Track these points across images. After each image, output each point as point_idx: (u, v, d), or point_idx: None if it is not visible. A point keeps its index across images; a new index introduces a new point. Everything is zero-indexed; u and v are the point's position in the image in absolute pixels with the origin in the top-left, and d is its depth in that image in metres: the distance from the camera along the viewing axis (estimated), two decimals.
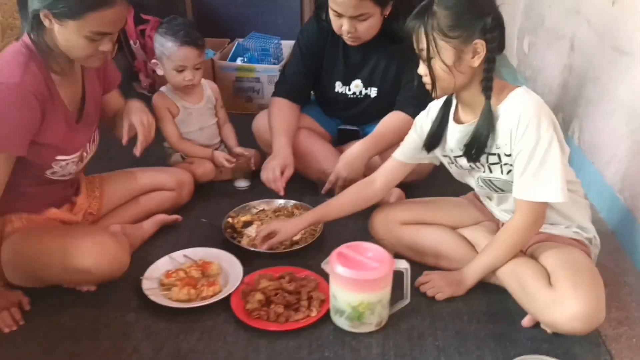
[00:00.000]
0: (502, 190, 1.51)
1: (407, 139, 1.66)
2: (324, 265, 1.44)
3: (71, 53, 1.41)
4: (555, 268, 1.39)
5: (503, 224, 1.57)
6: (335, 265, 1.38)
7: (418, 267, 1.62)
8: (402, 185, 1.78)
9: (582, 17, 2.23)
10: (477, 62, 1.34)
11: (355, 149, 1.93)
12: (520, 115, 1.36)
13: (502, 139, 1.41)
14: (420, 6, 1.36)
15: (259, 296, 1.48)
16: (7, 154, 1.37)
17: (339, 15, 1.81)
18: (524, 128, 1.35)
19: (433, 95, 1.44)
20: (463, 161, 1.51)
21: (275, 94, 2.12)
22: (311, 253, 1.74)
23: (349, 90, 2.07)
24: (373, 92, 2.05)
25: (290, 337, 1.42)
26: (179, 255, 1.68)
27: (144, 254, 1.73)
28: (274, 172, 1.90)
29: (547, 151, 1.35)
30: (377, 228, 1.74)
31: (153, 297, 1.50)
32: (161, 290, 1.55)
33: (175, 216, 1.89)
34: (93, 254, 1.39)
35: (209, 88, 2.16)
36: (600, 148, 2.01)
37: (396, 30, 1.87)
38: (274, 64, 2.89)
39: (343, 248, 1.44)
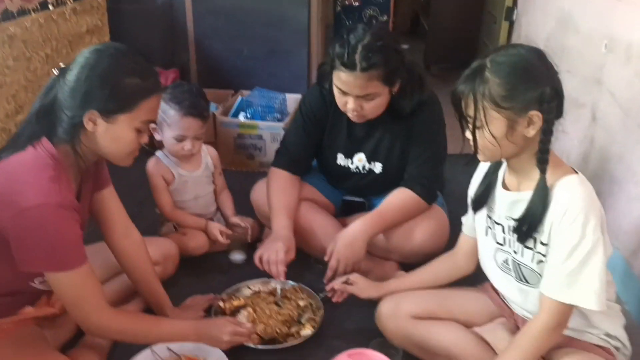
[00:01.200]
0: (526, 281, 1.36)
1: (469, 212, 1.55)
2: None
3: (118, 151, 1.34)
4: None
5: (522, 321, 1.41)
6: None
7: None
8: None
9: (605, 89, 2.10)
10: (531, 132, 1.23)
11: (355, 228, 1.78)
12: (568, 207, 1.22)
13: (544, 225, 1.27)
14: (471, 69, 1.25)
15: None
16: (82, 268, 1.29)
17: (344, 93, 1.68)
18: (570, 222, 1.21)
19: (480, 159, 1.33)
20: (499, 232, 1.39)
21: (274, 164, 1.98)
22: (310, 346, 1.59)
23: (352, 163, 1.93)
24: (377, 167, 1.91)
25: None
26: (162, 349, 1.51)
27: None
28: (277, 254, 1.73)
29: (590, 252, 1.21)
30: (385, 322, 1.57)
31: None
32: None
33: None
34: None
35: (208, 155, 2.03)
36: (627, 234, 1.86)
37: (404, 107, 1.76)
38: (279, 120, 2.78)
39: (345, 357, 1.28)
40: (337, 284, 1.67)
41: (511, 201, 1.34)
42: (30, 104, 2.18)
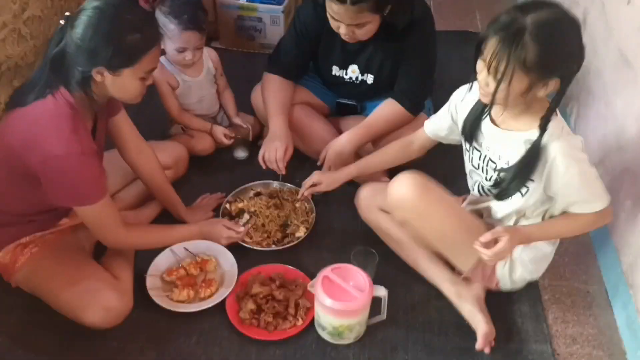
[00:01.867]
0: (495, 197, 1.54)
1: (439, 115, 1.70)
2: (310, 288, 1.58)
3: (126, 97, 1.51)
4: None
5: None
6: (319, 294, 1.52)
7: (400, 288, 1.75)
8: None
9: None
10: (542, 93, 1.34)
11: (345, 138, 1.97)
12: (555, 156, 1.37)
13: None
14: (509, 24, 1.26)
15: (250, 305, 1.64)
16: (102, 201, 1.51)
17: (336, 20, 1.76)
18: (565, 170, 1.38)
19: (482, 100, 1.43)
20: (476, 157, 1.56)
21: (268, 70, 2.09)
22: (305, 244, 1.88)
23: (346, 74, 2.05)
24: (370, 78, 2.04)
25: (277, 345, 1.61)
26: (179, 248, 1.81)
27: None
28: (277, 152, 1.95)
29: (589, 173, 1.41)
30: (360, 206, 1.86)
31: (156, 299, 1.66)
32: (163, 288, 1.71)
33: None
34: (100, 315, 1.53)
35: (209, 59, 2.14)
36: (590, 149, 2.03)
37: (395, 27, 1.83)
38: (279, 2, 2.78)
39: (328, 271, 1.57)
40: (306, 192, 1.92)
41: (499, 137, 1.47)
42: (34, 0, 2.24)
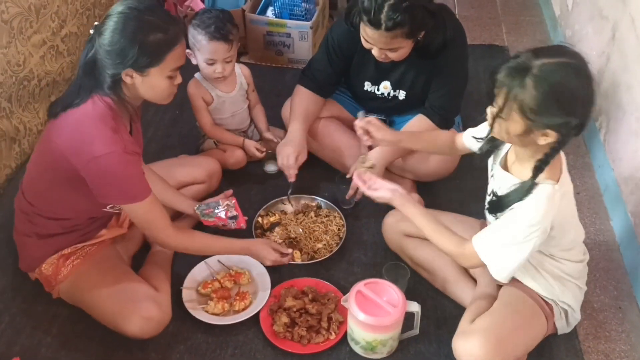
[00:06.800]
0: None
1: (480, 128, 1.65)
2: (344, 303, 1.60)
3: (157, 96, 1.56)
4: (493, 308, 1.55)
5: None
6: (353, 308, 1.55)
7: (431, 302, 1.79)
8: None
9: (627, 11, 2.13)
10: (542, 142, 1.30)
11: (375, 154, 2.00)
12: (527, 211, 1.36)
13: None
14: (517, 63, 1.26)
15: (284, 319, 1.67)
16: (149, 198, 1.56)
17: (370, 43, 1.79)
18: (522, 217, 1.37)
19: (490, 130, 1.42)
20: (496, 175, 1.54)
21: (300, 83, 2.13)
22: (335, 258, 1.91)
23: (378, 90, 2.08)
24: (401, 94, 2.06)
25: (311, 358, 1.63)
26: (213, 261, 1.85)
27: (183, 253, 1.91)
28: (288, 159, 1.98)
29: (521, 242, 1.38)
30: (386, 233, 1.89)
31: (192, 312, 1.71)
32: (199, 300, 1.76)
33: None
34: (140, 325, 1.57)
35: (242, 74, 2.19)
36: (622, 161, 2.04)
37: (428, 49, 1.86)
38: (306, 12, 2.82)
39: (362, 286, 1.60)
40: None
41: (502, 176, 1.49)
42: (71, 17, 2.31)
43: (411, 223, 1.65)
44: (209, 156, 2.16)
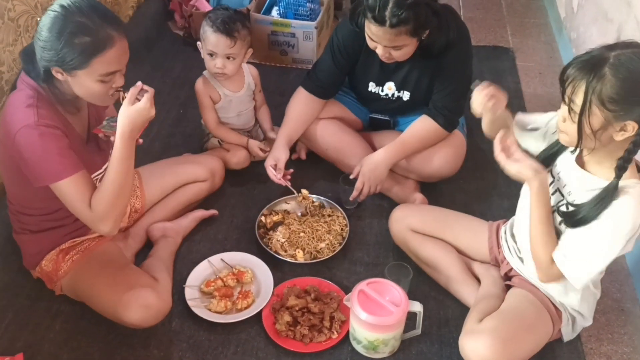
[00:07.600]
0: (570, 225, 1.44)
1: (534, 117, 1.59)
2: (347, 302, 1.60)
3: (90, 98, 1.51)
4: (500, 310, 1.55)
5: (511, 270, 1.68)
6: (355, 307, 1.55)
7: (433, 302, 1.79)
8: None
9: (632, 13, 2.13)
10: (620, 137, 1.27)
11: (380, 155, 2.00)
12: (622, 215, 1.32)
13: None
14: (591, 56, 1.26)
15: (287, 317, 1.67)
16: (70, 177, 1.46)
17: (374, 41, 1.79)
18: (615, 221, 1.33)
19: (559, 138, 1.39)
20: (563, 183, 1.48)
21: (302, 85, 2.14)
22: (338, 258, 1.91)
23: (382, 91, 2.08)
24: (406, 95, 2.06)
25: (312, 358, 1.63)
26: (216, 260, 1.86)
27: (186, 251, 1.93)
28: (269, 171, 2.03)
29: (608, 248, 1.35)
30: (392, 226, 1.89)
31: (195, 310, 1.71)
32: (202, 299, 1.76)
33: (212, 211, 2.05)
34: (140, 313, 1.57)
35: (250, 74, 2.19)
36: None
37: (432, 48, 1.86)
38: (311, 12, 2.82)
39: (364, 285, 1.60)
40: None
41: (578, 175, 1.42)
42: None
43: (420, 219, 1.65)
44: (212, 155, 2.16)
